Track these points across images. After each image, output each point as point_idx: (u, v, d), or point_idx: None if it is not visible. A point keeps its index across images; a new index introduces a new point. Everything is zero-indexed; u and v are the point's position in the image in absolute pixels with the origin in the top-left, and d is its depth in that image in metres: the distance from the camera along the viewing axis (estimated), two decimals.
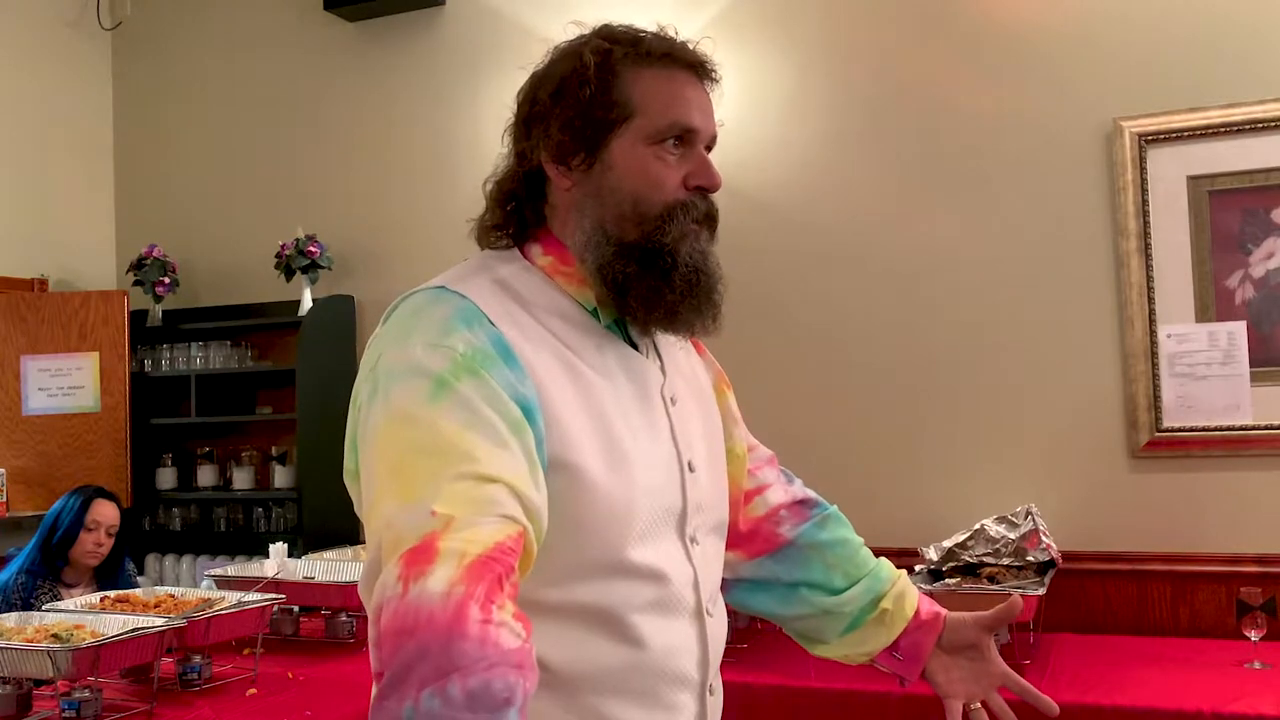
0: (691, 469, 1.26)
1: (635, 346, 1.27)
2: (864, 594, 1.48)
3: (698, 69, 1.27)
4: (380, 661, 0.92)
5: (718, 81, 1.30)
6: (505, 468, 1.03)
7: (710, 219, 1.27)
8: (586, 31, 1.28)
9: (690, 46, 1.28)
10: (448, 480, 1.00)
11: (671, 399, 1.28)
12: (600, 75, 1.22)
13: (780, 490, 1.53)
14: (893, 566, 1.53)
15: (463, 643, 0.90)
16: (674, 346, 1.35)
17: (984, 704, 1.46)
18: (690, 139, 1.24)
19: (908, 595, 1.49)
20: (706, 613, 1.25)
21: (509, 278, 1.23)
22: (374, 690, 0.93)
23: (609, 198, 1.22)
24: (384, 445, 1.06)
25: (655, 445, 1.22)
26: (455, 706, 0.89)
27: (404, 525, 0.98)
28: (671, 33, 1.28)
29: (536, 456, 1.08)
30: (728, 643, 1.38)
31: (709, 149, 1.27)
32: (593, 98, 1.21)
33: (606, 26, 1.28)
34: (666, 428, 1.25)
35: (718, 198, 1.28)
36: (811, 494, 1.57)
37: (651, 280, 1.21)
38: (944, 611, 1.49)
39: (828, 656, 1.54)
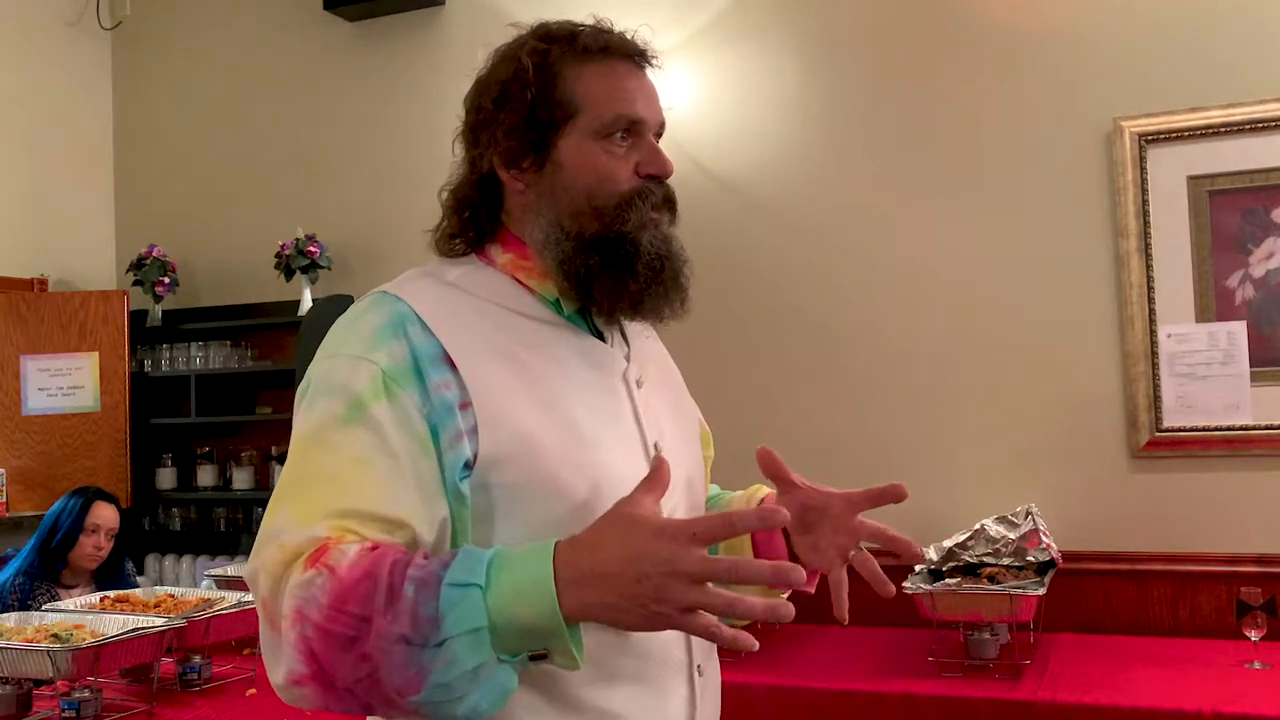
0: (658, 450, 1.26)
1: (601, 334, 1.29)
2: None
3: (637, 58, 1.27)
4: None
5: (659, 68, 1.29)
6: (398, 506, 1.08)
7: (669, 203, 1.27)
8: (524, 33, 1.28)
9: (628, 36, 1.28)
10: (335, 515, 1.06)
11: (637, 382, 1.28)
12: (540, 76, 1.22)
13: None
14: (745, 490, 1.46)
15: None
16: (642, 331, 1.36)
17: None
18: (637, 129, 1.24)
19: (753, 501, 1.41)
20: None
21: (457, 279, 1.24)
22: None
23: (563, 196, 1.23)
24: (295, 457, 1.13)
25: (617, 427, 1.23)
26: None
27: (298, 539, 1.05)
28: (608, 23, 1.28)
29: (440, 482, 1.12)
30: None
31: (658, 136, 1.28)
32: (535, 100, 1.22)
33: (543, 25, 1.28)
34: (629, 410, 1.26)
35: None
36: None
37: (614, 272, 1.22)
38: (781, 510, 1.36)
39: None
